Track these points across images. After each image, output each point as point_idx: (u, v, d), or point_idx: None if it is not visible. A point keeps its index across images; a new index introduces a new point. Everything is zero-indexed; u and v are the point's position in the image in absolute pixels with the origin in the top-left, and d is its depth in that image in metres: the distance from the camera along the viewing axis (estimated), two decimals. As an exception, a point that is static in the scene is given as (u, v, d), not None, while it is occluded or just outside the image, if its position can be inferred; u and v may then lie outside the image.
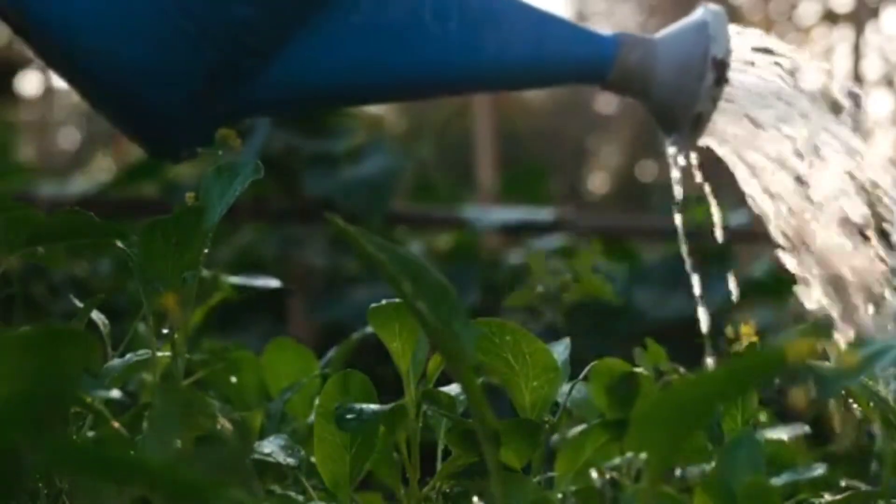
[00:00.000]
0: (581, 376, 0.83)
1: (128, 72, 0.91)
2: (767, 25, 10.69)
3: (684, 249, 1.01)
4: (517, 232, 3.14)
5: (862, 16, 9.05)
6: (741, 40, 1.00)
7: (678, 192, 1.02)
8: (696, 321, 0.95)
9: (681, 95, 0.98)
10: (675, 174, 1.01)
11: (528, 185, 3.73)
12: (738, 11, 10.94)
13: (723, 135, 0.99)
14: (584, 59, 1.00)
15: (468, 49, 0.98)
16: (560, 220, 3.07)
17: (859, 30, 8.93)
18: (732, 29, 1.00)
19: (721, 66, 0.96)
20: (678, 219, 1.02)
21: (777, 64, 0.99)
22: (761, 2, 10.66)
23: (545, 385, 0.78)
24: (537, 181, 3.82)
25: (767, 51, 0.99)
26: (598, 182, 11.50)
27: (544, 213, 3.15)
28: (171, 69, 0.91)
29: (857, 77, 8.72)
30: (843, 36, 10.01)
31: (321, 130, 2.94)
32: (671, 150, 1.00)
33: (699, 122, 0.98)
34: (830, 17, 10.13)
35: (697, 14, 1.00)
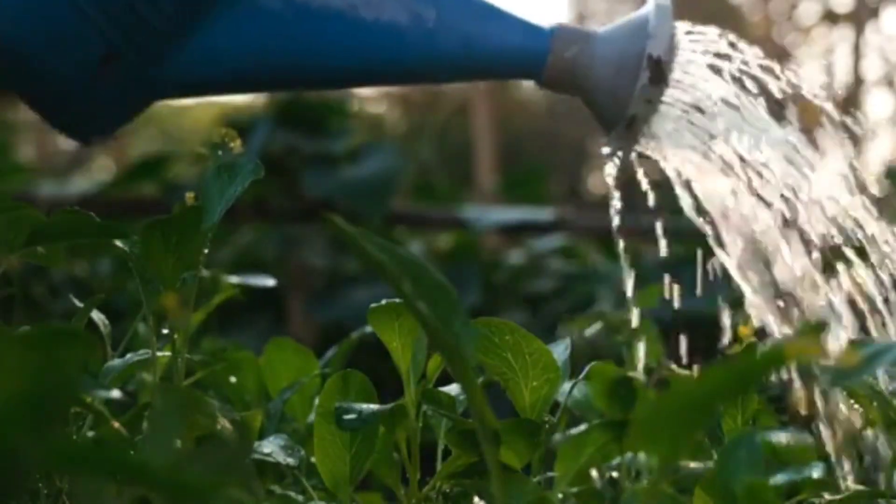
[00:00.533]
0: (581, 376, 0.83)
1: (25, 43, 0.89)
2: (767, 25, 10.69)
3: (623, 255, 0.97)
4: (517, 232, 3.14)
5: (862, 16, 9.05)
6: (695, 40, 0.93)
7: (615, 195, 0.96)
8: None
9: (616, 95, 0.91)
10: (610, 177, 0.95)
11: (528, 185, 3.73)
12: (738, 11, 10.95)
13: (664, 138, 0.93)
14: (516, 52, 0.94)
15: (392, 38, 0.93)
16: (560, 220, 3.07)
17: (859, 30, 8.94)
18: (685, 27, 0.94)
19: (658, 66, 0.90)
20: (616, 221, 0.97)
21: (736, 66, 0.92)
22: (761, 2, 10.66)
23: (545, 385, 0.78)
24: (537, 181, 3.83)
25: (722, 54, 0.93)
26: (598, 182, 11.51)
27: (544, 213, 3.15)
28: (68, 43, 0.89)
29: (857, 77, 8.73)
30: (843, 36, 10.02)
31: (321, 130, 2.94)
32: (605, 150, 0.95)
33: (633, 124, 0.92)
34: (830, 17, 10.13)
35: (643, 8, 0.94)
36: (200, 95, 1.05)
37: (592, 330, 1.11)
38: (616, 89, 0.91)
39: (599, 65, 0.92)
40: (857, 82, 8.69)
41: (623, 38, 0.92)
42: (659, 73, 0.90)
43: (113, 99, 0.92)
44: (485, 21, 0.94)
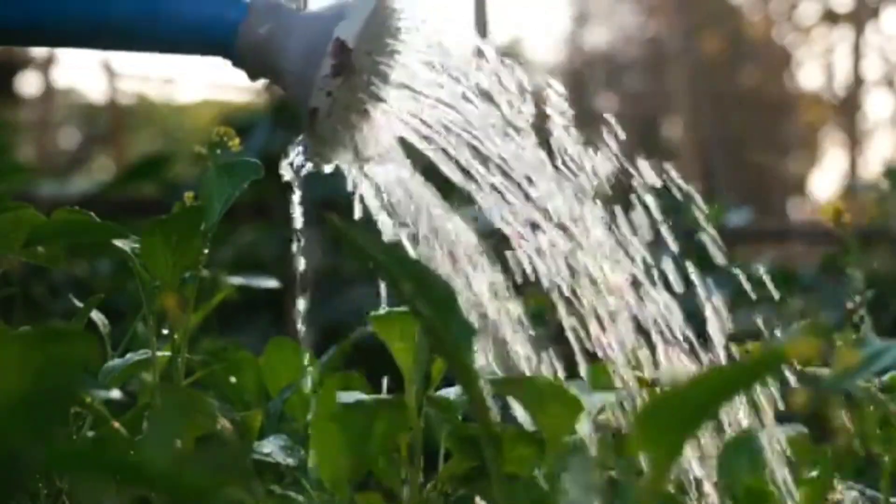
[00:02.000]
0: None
1: None
2: (767, 25, 10.69)
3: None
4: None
5: (862, 16, 9.05)
6: (420, 35, 0.81)
7: (297, 211, 0.84)
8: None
9: (303, 83, 0.79)
10: (295, 188, 0.83)
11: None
12: (738, 11, 10.95)
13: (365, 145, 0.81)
14: (204, 22, 0.83)
15: None
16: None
17: (859, 30, 8.94)
18: (418, 19, 0.81)
19: (343, 53, 0.77)
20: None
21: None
22: (761, 2, 10.66)
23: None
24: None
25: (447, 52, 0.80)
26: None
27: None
28: None
29: (857, 77, 8.73)
30: (843, 36, 10.02)
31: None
32: (291, 153, 0.82)
33: (314, 119, 0.78)
34: (830, 17, 10.13)
35: None
36: None
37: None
38: (304, 77, 0.78)
39: (293, 46, 0.80)
40: (857, 82, 8.70)
41: (323, 17, 0.80)
42: (344, 61, 0.77)
43: None
44: None
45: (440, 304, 0.58)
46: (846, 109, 9.37)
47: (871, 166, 8.69)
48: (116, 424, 0.70)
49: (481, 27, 5.16)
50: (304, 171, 0.81)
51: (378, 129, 0.80)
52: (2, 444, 0.40)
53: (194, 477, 0.41)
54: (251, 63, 0.82)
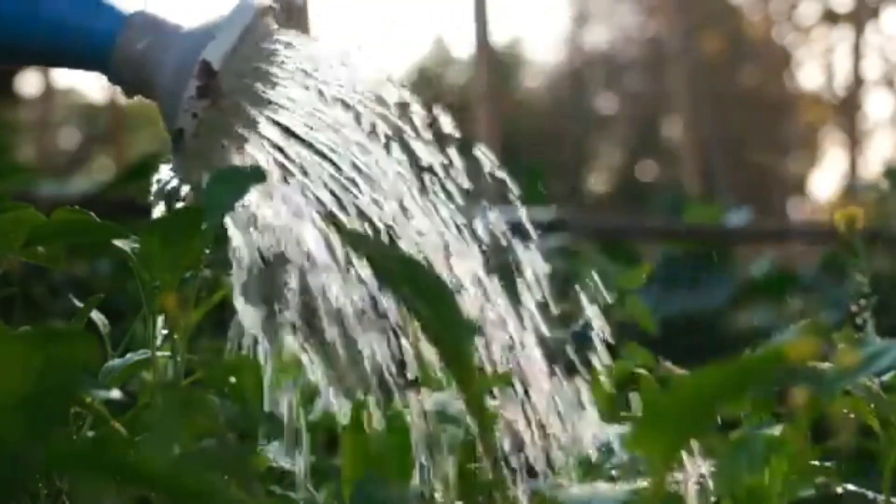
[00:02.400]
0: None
1: None
2: (767, 25, 10.69)
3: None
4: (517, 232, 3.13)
5: (862, 16, 9.06)
6: (297, 52, 0.78)
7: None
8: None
9: (172, 103, 0.76)
10: (157, 202, 0.79)
11: (528, 185, 3.73)
12: (738, 11, 10.95)
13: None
14: (80, 35, 0.80)
15: None
16: (560, 220, 3.07)
17: (859, 30, 8.95)
18: (289, 37, 0.79)
19: (209, 76, 0.74)
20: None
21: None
22: (761, 2, 10.66)
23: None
24: (537, 181, 3.83)
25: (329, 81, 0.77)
26: (598, 182, 11.50)
27: (544, 213, 3.14)
28: None
29: (857, 77, 8.73)
30: (843, 36, 10.02)
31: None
32: (161, 172, 0.79)
33: (180, 140, 0.76)
34: (830, 17, 10.14)
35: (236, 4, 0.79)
36: None
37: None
38: (174, 96, 0.76)
39: (167, 63, 0.77)
40: (857, 82, 8.70)
41: (195, 36, 0.77)
42: (210, 84, 0.75)
43: None
44: None
45: (439, 304, 0.58)
46: (846, 109, 9.37)
47: (871, 166, 8.70)
48: (116, 424, 0.70)
49: (481, 27, 5.16)
50: (169, 188, 0.79)
51: (249, 151, 0.78)
52: (2, 444, 0.40)
53: (194, 478, 0.41)
54: (127, 78, 0.80)
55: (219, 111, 0.76)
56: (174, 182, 0.78)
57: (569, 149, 10.49)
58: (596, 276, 0.79)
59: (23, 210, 0.79)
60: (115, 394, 0.66)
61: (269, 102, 0.76)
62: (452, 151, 0.78)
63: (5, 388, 0.41)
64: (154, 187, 0.79)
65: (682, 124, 8.04)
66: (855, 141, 8.56)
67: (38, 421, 0.41)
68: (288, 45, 0.78)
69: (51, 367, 0.42)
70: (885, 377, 0.76)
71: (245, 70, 0.77)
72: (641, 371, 0.87)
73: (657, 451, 0.52)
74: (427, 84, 11.38)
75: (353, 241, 0.60)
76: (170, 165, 0.78)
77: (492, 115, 4.20)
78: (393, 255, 0.59)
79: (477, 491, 0.78)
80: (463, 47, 11.04)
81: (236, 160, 0.78)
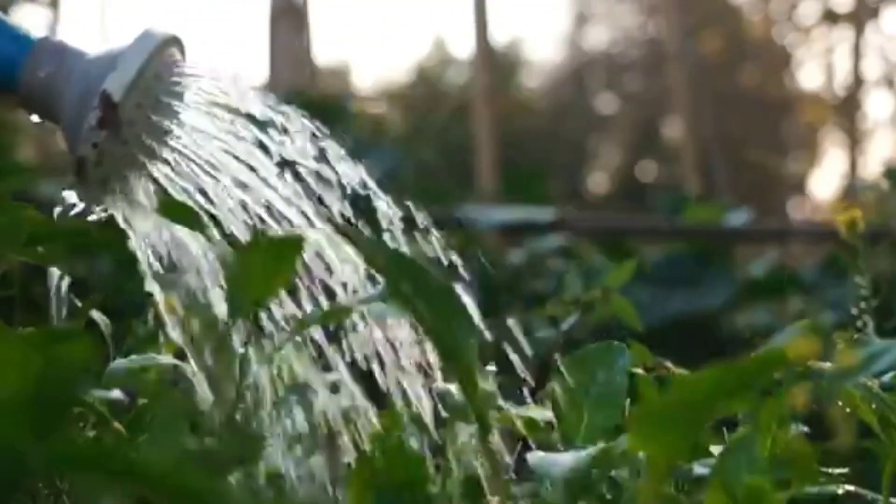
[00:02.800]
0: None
1: None
2: (767, 25, 10.69)
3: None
4: (517, 232, 3.14)
5: (862, 16, 9.06)
6: (201, 86, 0.78)
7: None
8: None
9: (74, 131, 0.76)
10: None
11: (528, 185, 3.73)
12: (738, 11, 10.94)
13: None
14: None
15: None
16: (560, 220, 3.07)
17: (859, 30, 8.95)
18: (201, 70, 0.79)
19: (108, 106, 0.74)
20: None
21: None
22: (761, 2, 10.66)
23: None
24: (537, 181, 3.83)
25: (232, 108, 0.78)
26: (598, 182, 11.51)
27: (544, 213, 3.15)
28: None
29: (857, 77, 8.72)
30: (843, 36, 10.03)
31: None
32: (65, 197, 0.79)
33: (81, 168, 0.76)
34: (830, 17, 10.14)
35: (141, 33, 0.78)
36: None
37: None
38: (75, 125, 0.76)
39: (71, 91, 0.77)
40: (857, 82, 8.70)
41: (99, 64, 0.77)
42: (109, 116, 0.74)
43: None
44: None
45: (440, 304, 0.58)
46: (846, 109, 9.38)
47: (871, 166, 8.70)
48: (117, 425, 0.70)
49: (481, 27, 5.16)
50: (73, 212, 0.78)
51: (150, 181, 0.78)
52: (2, 444, 0.40)
53: (195, 479, 0.41)
54: (34, 104, 0.80)
55: (120, 141, 0.76)
56: (80, 206, 0.78)
57: (569, 149, 10.49)
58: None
59: (23, 210, 0.78)
60: (116, 394, 0.67)
61: (169, 132, 0.77)
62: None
63: (6, 388, 0.41)
64: (57, 211, 0.78)
65: (682, 124, 8.03)
66: (855, 141, 8.56)
67: (39, 421, 0.41)
68: (191, 74, 0.78)
69: (51, 367, 0.42)
70: (885, 377, 0.76)
71: (145, 101, 0.77)
72: (639, 371, 0.86)
73: (657, 451, 0.52)
74: (427, 84, 11.39)
75: (351, 239, 0.60)
76: (73, 191, 0.78)
77: (492, 115, 4.21)
78: (393, 255, 0.59)
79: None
80: (463, 47, 11.04)
81: (139, 188, 0.78)
